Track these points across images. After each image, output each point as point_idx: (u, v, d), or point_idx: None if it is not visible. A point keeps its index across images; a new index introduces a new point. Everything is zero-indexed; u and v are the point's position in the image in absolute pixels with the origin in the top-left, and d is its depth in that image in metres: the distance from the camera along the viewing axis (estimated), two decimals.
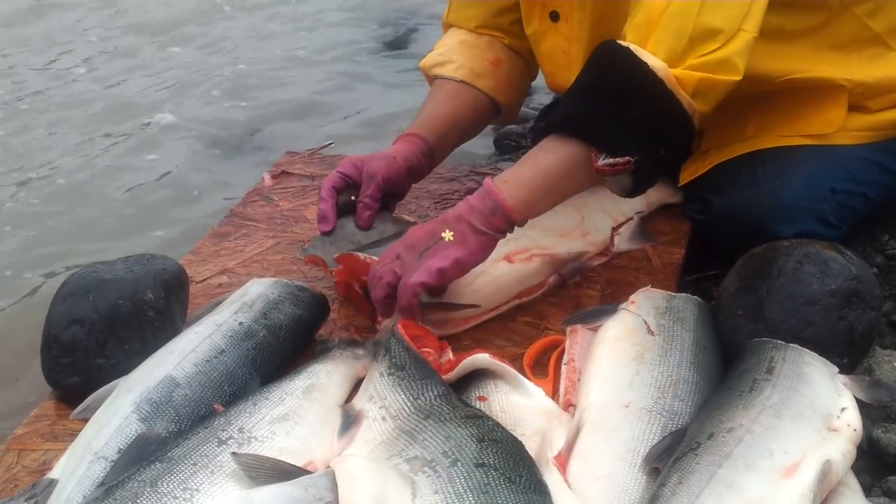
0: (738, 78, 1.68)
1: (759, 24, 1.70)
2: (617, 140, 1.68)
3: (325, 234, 1.91)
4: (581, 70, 1.77)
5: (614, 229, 2.00)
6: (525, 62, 2.17)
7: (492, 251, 1.72)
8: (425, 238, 1.70)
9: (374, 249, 1.83)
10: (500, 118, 2.23)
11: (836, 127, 1.96)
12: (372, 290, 1.71)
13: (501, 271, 1.83)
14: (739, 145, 1.99)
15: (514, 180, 1.71)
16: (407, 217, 2.07)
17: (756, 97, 1.95)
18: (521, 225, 1.73)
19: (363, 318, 1.84)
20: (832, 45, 1.94)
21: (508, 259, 1.85)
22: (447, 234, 1.68)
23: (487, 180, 1.72)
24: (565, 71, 1.98)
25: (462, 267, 1.69)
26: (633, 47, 1.65)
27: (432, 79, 2.17)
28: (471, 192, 1.77)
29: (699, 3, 1.65)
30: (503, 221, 1.70)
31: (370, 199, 1.92)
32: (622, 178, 1.72)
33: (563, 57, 2.00)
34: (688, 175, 2.05)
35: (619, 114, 1.67)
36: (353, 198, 1.93)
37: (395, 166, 1.95)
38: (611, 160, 1.68)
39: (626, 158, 1.68)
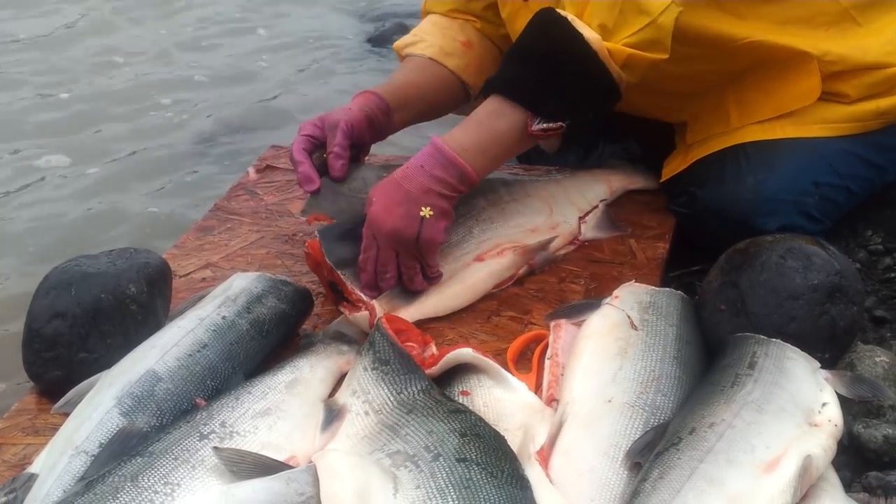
0: (665, 56, 1.76)
1: None
2: (554, 108, 1.76)
3: (314, 193, 1.90)
4: (521, 33, 1.81)
5: (580, 218, 2.03)
6: (497, 49, 2.18)
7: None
8: (408, 224, 1.73)
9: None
10: (470, 105, 2.16)
11: (813, 98, 1.96)
12: (384, 286, 1.77)
13: (475, 272, 1.86)
14: (723, 138, 2.00)
15: (473, 149, 1.77)
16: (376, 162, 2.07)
17: (730, 78, 1.96)
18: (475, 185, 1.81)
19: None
20: (797, 16, 1.94)
21: (479, 258, 1.88)
22: (426, 211, 1.73)
23: (441, 146, 1.75)
24: None
25: (449, 227, 1.79)
26: (570, 17, 1.71)
27: (404, 59, 2.16)
28: None
29: None
30: (467, 188, 1.79)
31: (339, 147, 1.91)
32: (552, 140, 1.81)
33: (525, 11, 1.97)
34: (671, 170, 2.06)
35: (556, 82, 1.75)
36: (325, 155, 1.92)
37: (354, 115, 1.94)
38: (545, 125, 1.76)
39: (559, 124, 1.76)
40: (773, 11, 1.93)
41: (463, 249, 1.89)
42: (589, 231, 2.03)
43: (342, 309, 1.78)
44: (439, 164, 1.75)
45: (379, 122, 2.00)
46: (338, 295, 1.80)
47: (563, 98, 1.76)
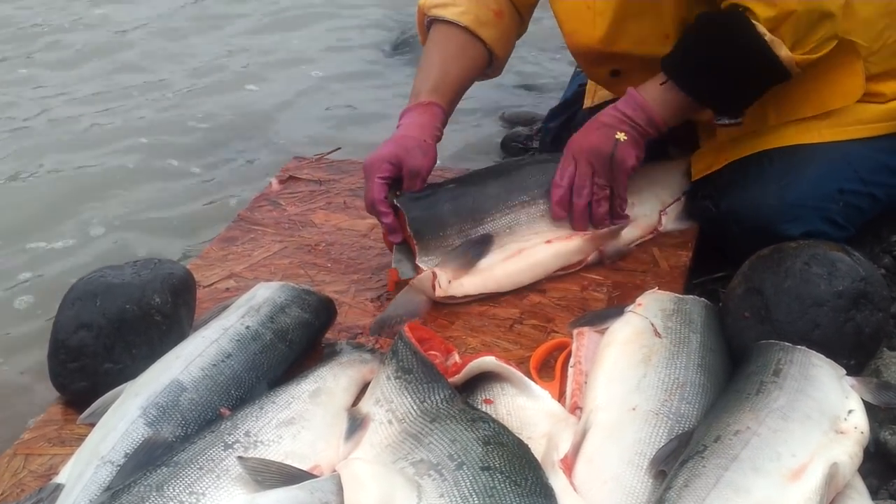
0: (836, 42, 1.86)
1: None
2: (738, 109, 1.91)
3: (398, 243, 1.94)
4: (710, 36, 1.87)
5: (662, 211, 2.06)
6: (520, 19, 2.19)
7: None
8: (604, 141, 1.90)
9: None
10: (488, 73, 2.21)
11: (856, 97, 1.97)
12: (578, 204, 1.93)
13: (540, 251, 1.93)
14: (755, 140, 1.99)
15: (663, 107, 1.90)
16: None
17: None
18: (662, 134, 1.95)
19: (371, 321, 1.84)
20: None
21: (548, 241, 1.94)
22: (620, 136, 1.90)
23: (635, 93, 1.91)
24: (589, 27, 1.99)
25: (640, 162, 1.94)
26: (768, 38, 1.78)
27: (429, 20, 2.14)
28: None
29: None
30: (654, 132, 1.92)
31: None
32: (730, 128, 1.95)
33: (586, 12, 2.00)
34: (701, 169, 2.05)
35: (743, 91, 1.88)
36: (397, 193, 1.95)
37: (431, 153, 1.99)
38: (727, 121, 1.92)
39: (739, 121, 1.92)
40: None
41: (533, 230, 1.94)
42: (670, 223, 2.07)
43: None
44: (630, 105, 1.90)
45: (440, 138, 2.05)
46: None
47: (747, 101, 1.90)
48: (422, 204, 1.92)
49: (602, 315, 1.72)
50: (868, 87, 1.97)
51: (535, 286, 1.92)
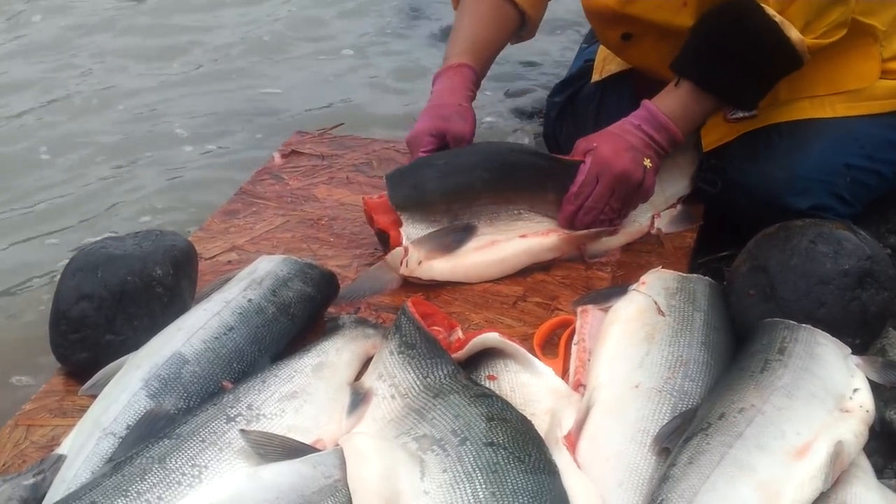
0: (844, 33, 1.86)
1: None
2: (753, 100, 1.92)
3: None
4: (721, 25, 1.85)
5: (654, 215, 2.02)
6: None
7: None
8: (635, 167, 1.86)
9: None
10: (522, 34, 2.21)
11: (872, 80, 1.97)
12: (583, 219, 1.90)
13: (512, 246, 1.90)
14: (767, 113, 1.97)
15: (683, 116, 1.89)
16: None
17: None
18: None
19: (373, 297, 1.83)
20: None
21: (524, 235, 1.90)
22: (647, 162, 1.88)
23: (657, 112, 1.88)
24: None
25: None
26: (778, 20, 1.77)
27: None
28: None
29: None
30: (672, 149, 1.92)
31: None
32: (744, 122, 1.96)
33: None
34: (712, 141, 2.02)
35: (757, 79, 1.87)
36: None
37: (470, 116, 2.00)
38: (741, 114, 1.93)
39: (754, 113, 1.92)
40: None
41: (512, 226, 1.92)
42: (662, 225, 2.02)
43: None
44: (654, 126, 1.88)
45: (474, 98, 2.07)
46: (383, 242, 1.89)
47: (761, 91, 1.90)
48: (409, 180, 1.90)
49: (606, 293, 1.72)
50: (882, 65, 1.96)
51: (538, 264, 1.91)
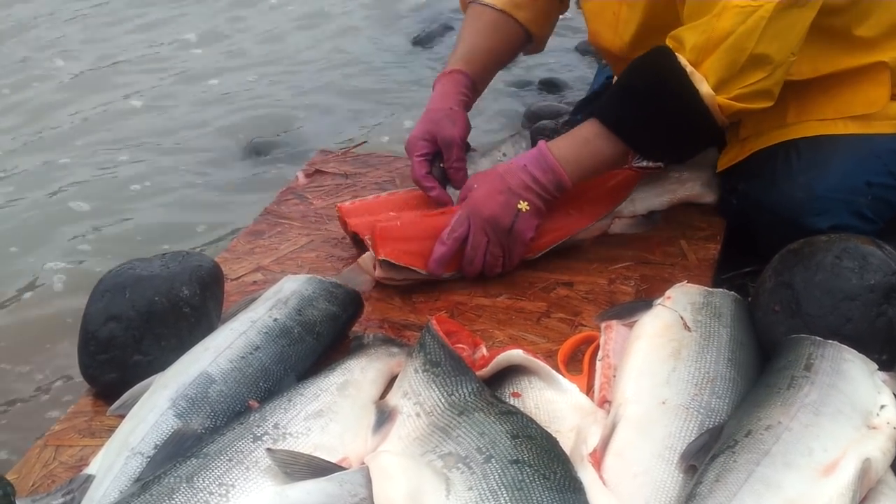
0: (771, 104, 1.80)
1: (801, 43, 1.77)
2: (657, 151, 1.88)
3: None
4: (634, 68, 1.85)
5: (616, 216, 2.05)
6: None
7: None
8: (504, 211, 1.84)
9: None
10: (529, 49, 2.24)
11: (880, 106, 1.94)
12: (469, 270, 1.88)
13: None
14: (778, 132, 1.97)
15: (573, 161, 1.86)
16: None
17: (796, 82, 1.93)
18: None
19: (398, 314, 1.84)
20: (882, 29, 1.92)
21: None
22: (523, 205, 1.84)
23: (546, 152, 1.85)
24: (611, 32, 1.99)
25: (538, 229, 1.89)
26: (689, 70, 1.74)
27: (467, 4, 2.18)
28: None
29: (758, 34, 1.70)
30: (560, 194, 1.88)
31: (458, 161, 2.01)
32: (650, 172, 1.91)
33: (611, 18, 2.01)
34: (726, 161, 2.04)
35: (663, 128, 1.83)
36: (441, 166, 2.02)
37: (460, 120, 2.02)
38: (644, 163, 1.89)
39: (658, 164, 1.90)
40: (870, 30, 1.91)
41: None
42: (617, 228, 2.05)
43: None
44: (540, 167, 1.85)
45: (470, 104, 2.09)
46: (357, 244, 1.97)
47: (666, 141, 1.87)
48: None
49: (630, 308, 1.71)
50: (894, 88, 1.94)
51: (561, 279, 1.91)
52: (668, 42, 1.78)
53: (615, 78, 2.33)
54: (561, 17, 2.24)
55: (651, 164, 1.88)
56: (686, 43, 1.75)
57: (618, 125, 1.83)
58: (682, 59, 1.74)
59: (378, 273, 1.88)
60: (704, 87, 1.73)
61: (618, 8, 1.98)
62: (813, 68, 1.89)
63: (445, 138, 1.99)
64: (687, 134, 1.84)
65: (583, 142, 1.87)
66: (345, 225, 2.01)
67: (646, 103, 1.80)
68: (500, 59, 2.17)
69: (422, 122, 2.01)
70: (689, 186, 2.12)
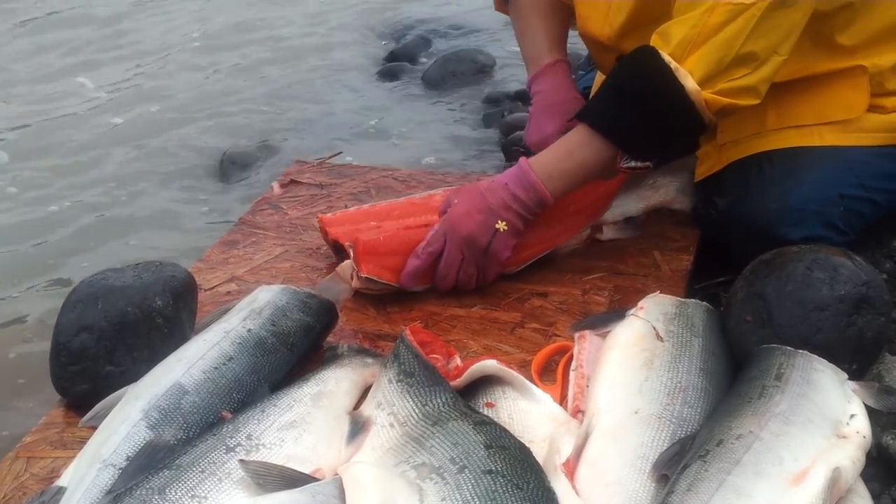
0: (758, 101, 1.79)
1: (793, 44, 1.78)
2: (646, 150, 1.84)
3: None
4: (621, 69, 1.85)
5: (594, 227, 2.07)
6: None
7: None
8: (483, 232, 1.84)
9: None
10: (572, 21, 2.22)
11: (859, 111, 1.96)
12: (441, 285, 1.89)
13: None
14: (756, 141, 1.98)
15: (559, 177, 1.85)
16: None
17: (775, 86, 1.94)
18: None
19: (372, 325, 1.85)
20: (869, 39, 1.93)
21: None
22: (501, 225, 1.84)
23: (528, 169, 1.84)
24: (601, 19, 1.99)
25: (515, 250, 1.88)
26: (673, 66, 1.74)
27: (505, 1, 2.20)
28: None
29: (748, 32, 1.71)
30: (541, 211, 1.87)
31: None
32: (639, 173, 1.89)
33: (602, 5, 2.00)
34: (704, 170, 2.05)
35: (651, 126, 1.80)
36: None
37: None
38: (633, 164, 1.83)
39: (647, 164, 1.84)
40: (852, 38, 1.92)
41: None
42: (609, 234, 2.07)
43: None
44: (521, 185, 1.84)
45: None
46: (338, 253, 1.98)
47: (655, 140, 1.83)
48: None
49: (603, 318, 1.72)
50: (871, 100, 1.96)
51: (535, 290, 1.92)
52: (654, 37, 1.78)
53: (596, 75, 2.34)
54: None
55: (640, 164, 1.85)
56: (672, 38, 1.75)
57: (607, 127, 1.82)
58: (666, 57, 1.74)
59: (355, 283, 1.88)
60: (689, 83, 1.73)
61: None
62: (792, 70, 1.90)
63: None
64: (674, 131, 1.82)
65: (566, 154, 1.86)
66: (325, 234, 2.02)
67: (633, 103, 1.80)
68: (565, 26, 2.17)
69: (550, 117, 2.03)
70: (664, 192, 2.13)
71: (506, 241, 1.86)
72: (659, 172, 2.11)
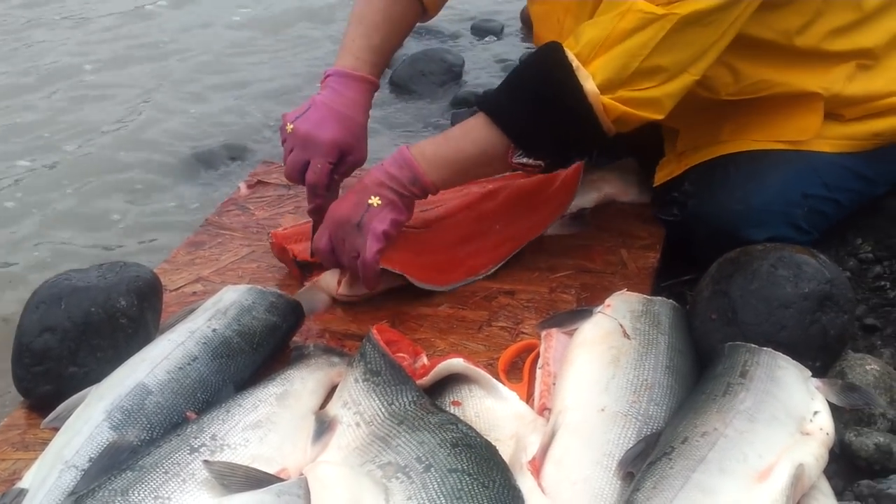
0: (661, 117, 1.77)
1: (708, 66, 1.77)
2: (537, 145, 1.82)
3: None
4: (526, 64, 1.85)
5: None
6: None
7: (413, 209, 1.88)
8: (354, 209, 1.82)
9: None
10: (424, 17, 2.13)
11: (811, 134, 1.96)
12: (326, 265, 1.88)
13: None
14: (714, 147, 1.99)
15: (433, 157, 1.83)
16: None
17: (730, 102, 1.95)
18: (434, 194, 1.88)
19: (339, 324, 1.84)
20: (811, 54, 1.93)
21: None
22: (374, 200, 1.81)
23: (404, 149, 1.84)
24: (554, 38, 1.98)
25: (398, 226, 1.85)
26: (575, 65, 1.72)
27: None
28: None
29: (656, 44, 1.69)
30: (420, 191, 1.84)
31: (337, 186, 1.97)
32: (530, 171, 1.87)
33: (555, 25, 2.00)
34: (663, 176, 2.06)
35: (545, 121, 1.77)
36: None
37: (366, 143, 1.99)
38: (525, 160, 1.82)
39: (539, 163, 1.86)
40: (785, 48, 1.91)
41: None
42: (552, 229, 2.06)
43: (306, 283, 1.92)
44: (396, 163, 1.83)
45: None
46: (305, 270, 1.94)
47: (549, 139, 1.81)
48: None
49: (570, 316, 1.72)
50: (828, 108, 1.95)
51: (503, 288, 1.92)
52: (569, 37, 1.77)
53: None
54: None
55: (531, 161, 1.84)
56: (582, 38, 1.74)
57: (499, 115, 1.79)
58: (570, 55, 1.73)
59: (342, 291, 1.87)
60: (589, 84, 1.71)
61: (563, 16, 1.98)
62: (745, 88, 1.91)
63: (357, 161, 1.96)
64: (569, 131, 1.79)
65: (449, 138, 1.86)
66: (283, 251, 1.98)
67: (530, 95, 1.78)
68: (395, 43, 2.08)
69: (336, 128, 1.91)
70: (613, 184, 2.16)
71: (379, 214, 1.81)
72: (613, 165, 2.14)
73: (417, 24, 2.14)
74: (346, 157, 1.94)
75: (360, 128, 1.96)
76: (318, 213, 1.93)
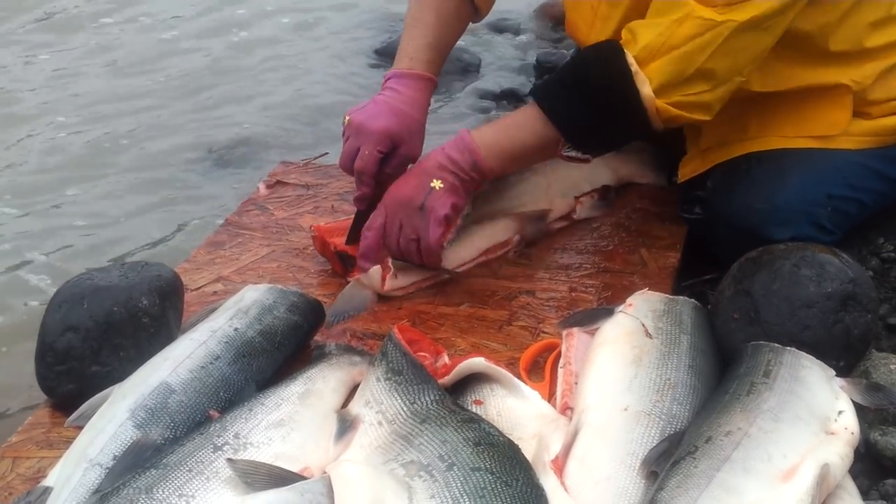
0: (709, 118, 1.80)
1: (757, 65, 1.78)
2: (588, 143, 1.85)
3: None
4: (582, 59, 1.87)
5: (577, 198, 2.10)
6: None
7: (470, 194, 1.90)
8: (416, 191, 1.84)
9: None
10: (476, 17, 2.17)
11: (841, 129, 1.95)
12: (391, 252, 1.88)
13: (469, 232, 1.97)
14: (740, 145, 1.99)
15: (493, 145, 1.85)
16: None
17: (759, 96, 1.94)
18: (488, 179, 1.90)
19: (360, 324, 1.84)
20: (847, 49, 1.92)
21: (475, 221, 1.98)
22: (436, 183, 1.83)
23: (465, 133, 1.86)
24: (587, 26, 1.99)
25: (458, 210, 1.87)
26: (634, 70, 1.73)
27: None
28: None
29: (713, 49, 1.70)
30: (479, 175, 1.85)
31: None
32: (578, 162, 1.89)
33: (589, 12, 2.00)
34: (687, 173, 2.05)
35: (600, 123, 1.80)
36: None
37: (423, 139, 2.00)
38: (574, 153, 1.84)
39: (587, 157, 1.85)
40: (819, 43, 1.91)
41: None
42: (584, 211, 2.10)
43: (350, 278, 1.91)
44: (457, 148, 1.84)
45: None
46: (348, 264, 1.93)
47: (600, 136, 1.84)
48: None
49: (591, 315, 1.72)
50: (855, 105, 1.95)
51: (523, 287, 1.92)
52: (624, 32, 1.77)
53: None
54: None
55: (580, 155, 1.85)
56: (640, 39, 1.74)
57: (554, 112, 1.81)
58: (630, 58, 1.73)
59: (388, 285, 1.88)
60: (646, 89, 1.73)
61: (597, 3, 1.97)
62: (775, 81, 1.90)
63: (410, 155, 1.97)
64: (620, 130, 1.84)
65: (505, 127, 1.88)
66: (324, 245, 1.99)
67: (586, 95, 1.79)
68: (450, 41, 2.11)
69: (392, 118, 1.94)
70: (633, 167, 2.19)
71: (442, 198, 1.83)
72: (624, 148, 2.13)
73: (470, 23, 2.16)
74: (398, 150, 1.95)
75: (414, 122, 1.98)
76: (363, 202, 1.95)
